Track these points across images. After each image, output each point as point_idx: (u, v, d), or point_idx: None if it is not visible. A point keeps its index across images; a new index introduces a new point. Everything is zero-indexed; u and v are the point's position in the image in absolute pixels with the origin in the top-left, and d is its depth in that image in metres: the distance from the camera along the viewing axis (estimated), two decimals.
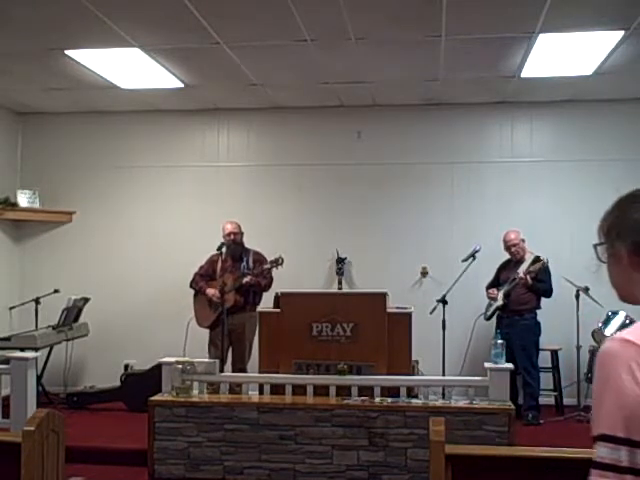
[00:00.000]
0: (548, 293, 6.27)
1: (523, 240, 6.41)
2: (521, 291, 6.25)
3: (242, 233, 6.39)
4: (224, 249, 6.15)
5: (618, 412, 1.09)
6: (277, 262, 6.02)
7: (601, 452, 1.09)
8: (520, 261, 6.37)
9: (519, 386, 6.29)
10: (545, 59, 5.70)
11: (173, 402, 4.98)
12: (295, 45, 5.34)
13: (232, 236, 6.30)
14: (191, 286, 6.38)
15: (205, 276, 6.36)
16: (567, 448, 2.52)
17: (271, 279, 6.22)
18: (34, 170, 7.72)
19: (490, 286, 6.50)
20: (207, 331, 6.32)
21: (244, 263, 6.28)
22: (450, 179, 7.26)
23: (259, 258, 6.33)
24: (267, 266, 6.11)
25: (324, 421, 4.84)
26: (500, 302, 6.31)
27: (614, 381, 1.11)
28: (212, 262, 6.39)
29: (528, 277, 6.18)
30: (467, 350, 6.46)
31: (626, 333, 1.16)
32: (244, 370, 6.14)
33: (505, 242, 6.43)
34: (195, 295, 6.39)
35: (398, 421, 4.78)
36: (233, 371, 6.02)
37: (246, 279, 6.10)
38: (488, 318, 6.43)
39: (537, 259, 6.29)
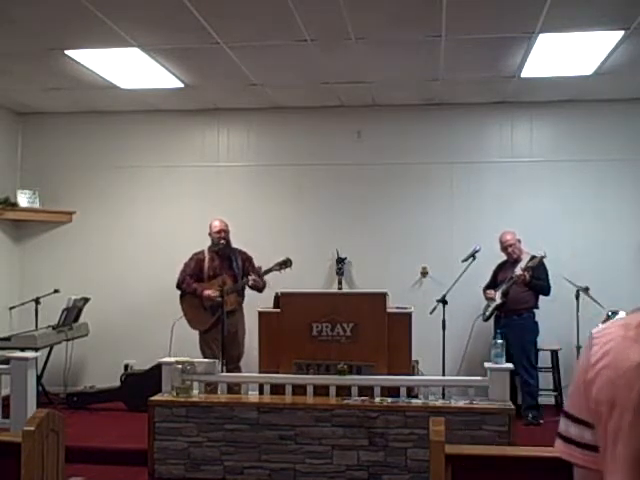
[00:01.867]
0: (546, 290, 6.27)
1: (519, 240, 6.41)
2: (519, 289, 6.24)
3: (229, 232, 6.30)
4: (212, 247, 6.12)
5: (569, 392, 1.28)
6: (286, 264, 5.97)
7: (560, 422, 1.29)
8: (517, 261, 6.38)
9: (517, 386, 6.30)
10: (545, 59, 5.70)
11: (173, 402, 4.98)
12: (295, 45, 5.34)
13: (222, 234, 6.21)
14: (180, 287, 6.23)
15: (193, 276, 6.23)
16: None
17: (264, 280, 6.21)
18: (34, 170, 7.72)
19: (487, 287, 6.50)
20: (195, 332, 6.23)
21: (235, 263, 6.19)
22: (450, 179, 7.26)
23: (247, 257, 6.29)
24: (276, 268, 6.03)
25: (324, 421, 4.84)
26: (498, 301, 6.31)
27: (576, 366, 1.29)
28: (198, 261, 6.26)
29: (526, 274, 6.18)
30: (465, 350, 6.45)
31: (598, 328, 1.28)
32: (239, 369, 6.12)
33: (501, 243, 6.45)
34: (182, 296, 6.24)
35: (398, 421, 4.78)
36: (229, 371, 5.99)
37: (251, 281, 6.05)
38: (486, 319, 6.43)
39: (533, 258, 6.28)
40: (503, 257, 6.56)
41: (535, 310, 6.34)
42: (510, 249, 6.39)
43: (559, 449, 1.26)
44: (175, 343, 6.28)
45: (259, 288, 6.16)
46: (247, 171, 7.53)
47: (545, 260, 6.23)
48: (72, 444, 3.79)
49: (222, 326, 5.70)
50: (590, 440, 1.20)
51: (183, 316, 6.25)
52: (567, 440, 1.24)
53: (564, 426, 1.26)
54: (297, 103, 7.24)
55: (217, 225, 6.26)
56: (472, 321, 6.50)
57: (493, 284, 6.50)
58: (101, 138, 7.67)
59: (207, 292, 6.09)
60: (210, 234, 6.25)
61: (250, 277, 6.04)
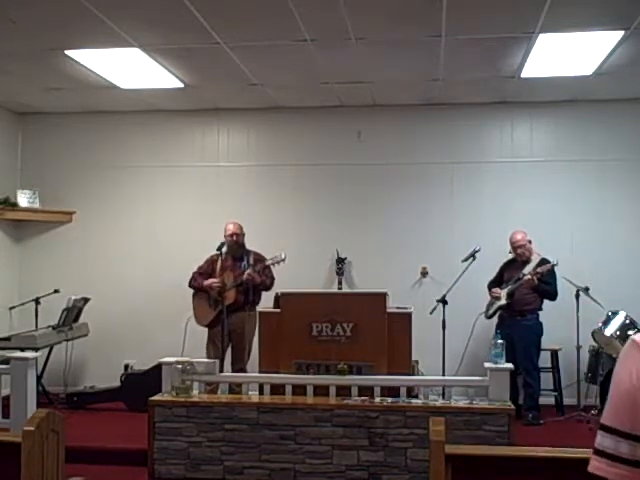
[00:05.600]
0: (553, 296, 6.23)
1: (530, 241, 6.35)
2: (525, 291, 6.20)
3: (244, 234, 6.39)
4: (224, 249, 6.13)
5: (613, 405, 1.18)
6: (278, 259, 6.02)
7: (598, 439, 1.20)
8: (526, 262, 6.33)
9: (520, 386, 6.29)
10: (545, 59, 5.71)
11: (173, 402, 4.98)
12: (295, 45, 5.34)
13: (234, 237, 6.29)
14: (190, 285, 6.35)
15: (204, 275, 6.33)
16: (567, 448, 2.52)
17: (272, 278, 6.22)
18: (34, 170, 7.72)
19: (492, 284, 6.47)
20: (205, 331, 6.30)
21: (244, 262, 6.28)
22: (450, 179, 7.26)
23: (259, 258, 6.32)
24: (269, 262, 6.09)
25: (324, 421, 4.84)
26: (503, 301, 6.27)
27: (617, 377, 1.20)
28: (212, 262, 6.37)
29: (534, 278, 6.14)
30: (465, 349, 6.43)
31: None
32: (244, 370, 6.14)
33: (512, 243, 6.38)
34: (194, 294, 6.37)
35: (398, 421, 4.78)
36: (233, 371, 6.02)
37: (247, 273, 6.06)
38: (489, 317, 6.41)
39: (543, 261, 6.25)
40: (505, 257, 6.54)
41: (539, 311, 6.31)
42: (520, 250, 6.33)
43: (602, 469, 1.15)
44: (182, 342, 6.32)
45: (257, 284, 6.18)
46: (247, 171, 7.53)
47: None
48: (72, 444, 3.79)
49: (222, 325, 5.71)
50: None
51: (193, 312, 6.34)
52: (616, 459, 1.14)
53: (611, 444, 1.15)
54: (297, 103, 7.24)
55: (230, 228, 6.35)
56: (473, 321, 6.48)
57: (499, 281, 6.46)
58: (101, 138, 7.67)
59: (208, 280, 6.21)
60: (225, 236, 6.30)
61: (246, 272, 6.08)
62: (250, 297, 6.22)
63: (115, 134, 7.65)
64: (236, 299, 6.08)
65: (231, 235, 6.30)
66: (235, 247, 6.29)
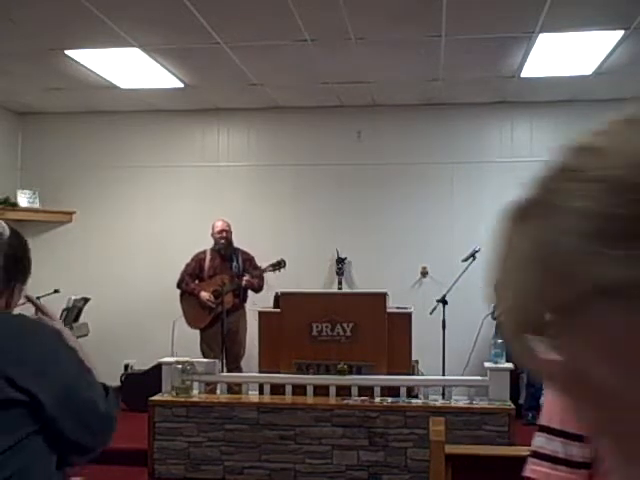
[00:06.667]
0: None
1: None
2: None
3: (232, 232, 6.35)
4: (214, 247, 6.13)
5: (555, 405, 1.13)
6: (280, 265, 6.00)
7: (538, 442, 1.15)
8: None
9: (521, 386, 6.29)
10: (545, 59, 5.71)
11: (173, 402, 4.98)
12: (295, 45, 5.34)
13: (224, 234, 6.26)
14: (179, 286, 6.28)
15: (193, 275, 6.29)
16: None
17: (263, 279, 6.21)
18: (34, 170, 7.71)
19: None
20: (196, 331, 6.27)
21: (235, 263, 6.23)
22: (450, 179, 7.26)
23: (248, 257, 6.31)
24: (269, 269, 6.08)
25: (324, 421, 4.84)
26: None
27: None
28: (199, 260, 6.32)
29: None
30: (472, 350, 6.40)
31: None
32: (239, 368, 6.13)
33: None
34: (182, 295, 6.30)
35: (398, 421, 4.78)
36: (229, 370, 6.01)
37: (246, 280, 6.07)
38: (496, 317, 6.41)
39: None
40: None
41: None
42: None
43: (550, 474, 1.09)
44: (176, 342, 6.30)
45: (254, 288, 6.19)
46: (247, 171, 7.52)
47: None
48: None
49: (222, 326, 5.71)
50: (587, 457, 1.07)
51: (183, 315, 6.29)
52: (572, 464, 1.08)
53: (562, 448, 1.09)
54: (297, 103, 7.24)
55: (219, 225, 6.30)
56: (473, 320, 6.48)
57: None
58: (101, 138, 7.67)
59: (203, 294, 6.15)
60: (212, 234, 6.28)
61: (244, 277, 6.06)
62: (242, 297, 6.25)
63: (115, 134, 7.65)
64: (233, 303, 6.08)
65: (220, 232, 6.26)
66: (224, 245, 6.25)
